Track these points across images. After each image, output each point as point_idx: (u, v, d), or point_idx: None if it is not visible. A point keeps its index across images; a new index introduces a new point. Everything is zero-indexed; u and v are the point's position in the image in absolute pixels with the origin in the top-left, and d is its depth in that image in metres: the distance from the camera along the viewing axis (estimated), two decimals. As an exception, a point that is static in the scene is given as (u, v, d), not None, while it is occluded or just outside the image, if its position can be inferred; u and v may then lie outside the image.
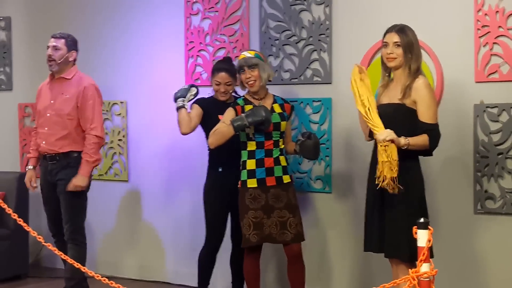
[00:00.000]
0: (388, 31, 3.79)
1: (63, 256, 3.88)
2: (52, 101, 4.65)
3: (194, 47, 5.44)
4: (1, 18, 6.45)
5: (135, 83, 5.72)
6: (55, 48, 4.61)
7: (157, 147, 5.58)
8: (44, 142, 4.62)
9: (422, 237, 2.92)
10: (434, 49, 4.39)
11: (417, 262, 2.91)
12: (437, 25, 4.40)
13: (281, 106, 4.37)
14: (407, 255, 3.60)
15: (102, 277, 3.45)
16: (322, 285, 4.86)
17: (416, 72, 3.70)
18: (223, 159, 4.54)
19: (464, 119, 4.31)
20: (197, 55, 5.43)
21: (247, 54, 4.34)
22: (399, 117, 3.66)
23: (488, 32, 4.24)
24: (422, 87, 3.63)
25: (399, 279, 3.08)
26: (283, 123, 4.31)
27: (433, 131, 3.62)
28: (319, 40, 4.86)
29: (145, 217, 5.70)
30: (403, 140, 3.59)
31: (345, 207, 4.80)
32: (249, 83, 4.30)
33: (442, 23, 4.39)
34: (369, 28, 4.68)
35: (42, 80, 6.21)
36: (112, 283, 3.35)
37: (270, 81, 4.38)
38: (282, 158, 4.31)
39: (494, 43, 4.22)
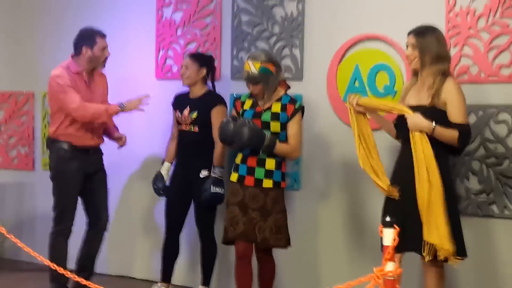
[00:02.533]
0: (409, 32, 3.83)
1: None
2: (92, 96, 4.71)
3: (165, 39, 5.39)
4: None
5: (105, 74, 5.64)
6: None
7: (129, 139, 5.47)
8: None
9: (388, 236, 2.92)
10: (405, 48, 4.39)
11: (382, 261, 2.90)
12: (408, 24, 4.38)
13: (283, 106, 4.17)
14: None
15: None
16: (291, 283, 4.85)
17: (443, 74, 3.70)
18: (178, 152, 4.81)
19: (432, 119, 4.32)
20: (168, 48, 5.38)
21: (251, 66, 4.14)
22: (431, 119, 3.65)
23: (458, 33, 4.26)
24: (452, 88, 3.67)
25: (364, 278, 3.07)
26: (273, 124, 4.13)
27: (464, 130, 3.64)
28: (291, 36, 4.84)
29: (133, 213, 5.61)
30: (430, 123, 3.63)
31: (313, 204, 4.80)
32: (253, 93, 4.22)
33: (414, 22, 4.36)
34: (342, 25, 4.67)
35: (9, 68, 6.17)
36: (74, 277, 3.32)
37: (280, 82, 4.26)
38: (269, 160, 4.13)
39: (464, 44, 4.24)
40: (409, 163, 3.68)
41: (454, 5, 4.26)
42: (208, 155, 4.64)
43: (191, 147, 4.68)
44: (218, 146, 4.61)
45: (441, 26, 4.28)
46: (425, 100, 3.71)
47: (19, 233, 5.72)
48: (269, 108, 4.18)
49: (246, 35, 5.02)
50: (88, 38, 4.64)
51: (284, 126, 4.15)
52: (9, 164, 6.16)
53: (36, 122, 6.02)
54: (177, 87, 5.00)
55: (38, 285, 5.14)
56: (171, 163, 4.85)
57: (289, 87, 4.31)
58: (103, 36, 4.69)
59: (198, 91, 4.74)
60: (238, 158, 4.23)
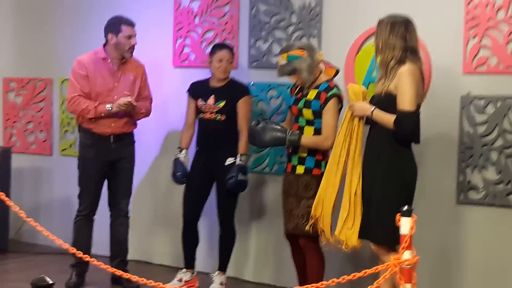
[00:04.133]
0: None
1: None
2: (116, 84, 4.74)
3: (182, 27, 5.41)
4: (-13, -8, 6.39)
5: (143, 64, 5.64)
6: (135, 37, 4.76)
7: (145, 126, 5.49)
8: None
9: (405, 225, 2.94)
10: (423, 39, 4.39)
11: (400, 249, 2.93)
12: (427, 16, 4.40)
13: (318, 93, 4.10)
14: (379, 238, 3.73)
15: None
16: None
17: (399, 61, 3.67)
18: (200, 140, 4.82)
19: (450, 110, 4.33)
20: (186, 36, 5.40)
21: (280, 60, 4.16)
22: (382, 106, 3.69)
23: (477, 24, 4.25)
24: (402, 74, 3.64)
25: (381, 266, 3.10)
26: (305, 111, 4.11)
27: (402, 116, 3.61)
28: (308, 26, 4.85)
29: (152, 199, 5.65)
30: (369, 107, 3.72)
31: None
32: (298, 84, 4.22)
33: (433, 14, 4.39)
34: (359, 15, 4.67)
35: (28, 55, 6.21)
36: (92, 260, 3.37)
37: (319, 62, 4.15)
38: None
39: (483, 35, 4.23)
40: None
41: (474, -4, 4.26)
42: (233, 143, 4.68)
43: (216, 135, 4.70)
44: (244, 135, 4.65)
45: (460, 17, 4.29)
46: (381, 88, 3.74)
47: (37, 217, 5.74)
48: (307, 94, 4.16)
49: (263, 25, 5.03)
50: (113, 25, 4.72)
51: (317, 114, 4.10)
52: (27, 149, 6.22)
53: (54, 107, 6.07)
54: (194, 75, 5.02)
55: (56, 268, 5.20)
56: (188, 150, 4.88)
57: (337, 72, 4.27)
58: (129, 24, 4.73)
59: (222, 80, 4.75)
60: None
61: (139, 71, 4.85)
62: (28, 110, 6.20)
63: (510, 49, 4.16)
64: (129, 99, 4.64)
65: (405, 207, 2.97)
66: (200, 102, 4.76)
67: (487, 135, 4.23)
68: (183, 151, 4.85)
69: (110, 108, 4.62)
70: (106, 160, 4.74)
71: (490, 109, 4.21)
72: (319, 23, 4.81)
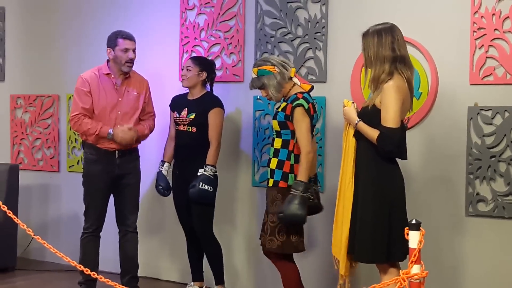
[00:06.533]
0: None
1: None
2: (120, 99, 4.77)
3: (189, 42, 5.42)
4: (-5, 8, 6.43)
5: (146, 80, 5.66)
6: (134, 51, 4.78)
7: (152, 140, 5.49)
8: None
9: (414, 238, 2.92)
10: (429, 50, 4.39)
11: (408, 263, 2.90)
12: (433, 27, 4.40)
13: (286, 105, 4.10)
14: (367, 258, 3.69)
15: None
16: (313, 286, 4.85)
17: (388, 74, 3.63)
18: (175, 153, 4.90)
19: (457, 121, 4.31)
20: (192, 50, 5.41)
21: (252, 74, 4.25)
22: (368, 119, 3.67)
23: (484, 35, 4.23)
24: (387, 89, 3.59)
25: (390, 280, 3.08)
26: (274, 122, 4.13)
27: (385, 133, 3.56)
28: (314, 38, 4.85)
29: (159, 215, 5.65)
30: (355, 118, 3.72)
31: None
32: (267, 98, 4.27)
33: (439, 24, 4.38)
34: (365, 27, 4.63)
35: (35, 71, 6.24)
36: (101, 278, 3.35)
37: (290, 78, 4.16)
38: (273, 160, 4.10)
39: (489, 45, 4.22)
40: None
41: (479, 6, 4.24)
42: (204, 155, 4.71)
43: (188, 147, 4.76)
44: (213, 146, 4.70)
45: (466, 27, 4.27)
46: (369, 101, 3.73)
47: (44, 234, 5.83)
48: (279, 107, 4.17)
49: (269, 38, 5.04)
50: (110, 39, 4.77)
51: (283, 124, 4.07)
52: (34, 166, 6.23)
53: (61, 124, 6.08)
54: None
55: (64, 285, 5.20)
56: (170, 163, 4.94)
57: (312, 88, 4.26)
58: (126, 37, 4.75)
59: (197, 93, 4.82)
60: None
61: (143, 86, 4.86)
62: (36, 127, 6.22)
63: (517, 59, 4.14)
64: (129, 126, 4.67)
65: (413, 221, 2.94)
66: (176, 115, 4.85)
67: (495, 146, 4.20)
68: (165, 164, 4.91)
69: (110, 136, 4.64)
70: (111, 176, 4.74)
71: (498, 120, 4.19)
72: (325, 36, 4.81)
